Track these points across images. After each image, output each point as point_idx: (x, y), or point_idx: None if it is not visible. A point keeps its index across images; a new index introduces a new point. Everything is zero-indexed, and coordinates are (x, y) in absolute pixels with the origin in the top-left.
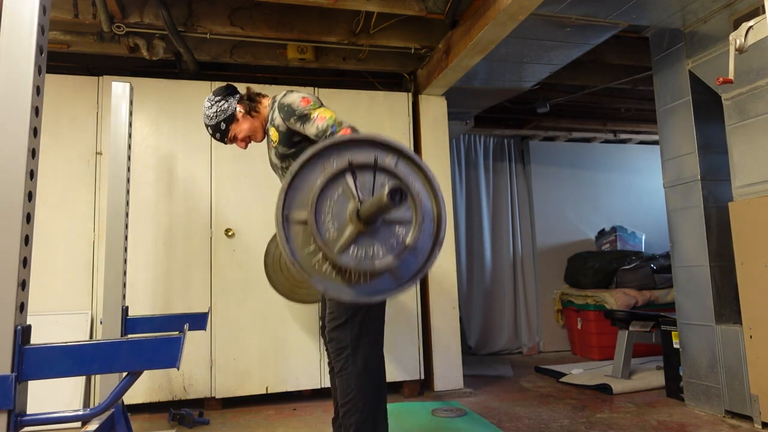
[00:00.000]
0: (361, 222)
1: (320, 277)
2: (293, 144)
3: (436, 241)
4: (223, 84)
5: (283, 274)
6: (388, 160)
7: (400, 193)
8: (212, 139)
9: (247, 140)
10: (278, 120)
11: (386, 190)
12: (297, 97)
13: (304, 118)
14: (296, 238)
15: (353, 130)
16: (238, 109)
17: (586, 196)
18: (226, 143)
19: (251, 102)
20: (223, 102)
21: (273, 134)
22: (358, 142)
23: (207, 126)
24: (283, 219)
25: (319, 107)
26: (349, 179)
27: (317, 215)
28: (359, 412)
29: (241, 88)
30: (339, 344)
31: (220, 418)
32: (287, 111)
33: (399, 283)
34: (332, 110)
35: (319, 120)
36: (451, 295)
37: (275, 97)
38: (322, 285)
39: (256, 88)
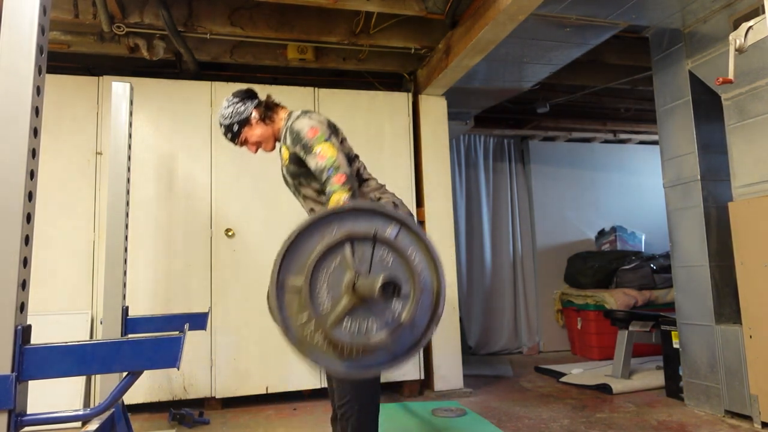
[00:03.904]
0: (356, 295)
1: (311, 349)
2: (303, 164)
3: (433, 317)
4: (245, 87)
5: None
6: (389, 232)
7: (392, 288)
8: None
9: (257, 144)
10: (288, 141)
11: (379, 282)
12: (306, 124)
13: (308, 149)
14: (290, 306)
15: (348, 177)
16: (253, 114)
17: (586, 196)
18: (236, 145)
19: (267, 110)
20: (240, 104)
21: (284, 153)
22: (360, 212)
23: (221, 125)
24: (278, 285)
25: (324, 141)
26: (348, 250)
27: (312, 284)
28: (355, 415)
29: (262, 94)
30: None
31: (220, 418)
32: (295, 138)
33: (393, 358)
34: (337, 148)
35: (320, 158)
36: (451, 295)
37: (291, 113)
38: (313, 357)
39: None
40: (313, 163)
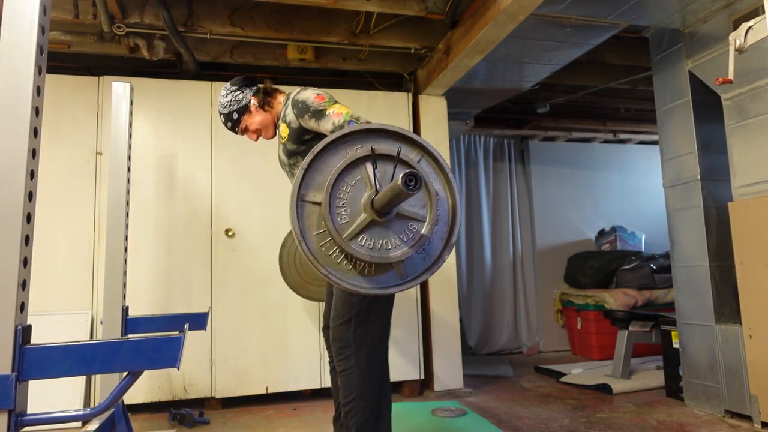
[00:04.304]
0: (374, 211)
1: (326, 261)
2: (303, 141)
3: (447, 245)
4: (241, 76)
5: (296, 268)
6: (412, 156)
7: (415, 180)
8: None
9: (258, 132)
10: (290, 116)
11: (402, 173)
12: (311, 93)
13: (319, 114)
14: (307, 218)
15: (371, 123)
16: (252, 101)
17: (586, 196)
18: (237, 133)
19: (266, 96)
20: (238, 92)
21: (283, 130)
22: (385, 133)
23: (220, 114)
24: (298, 197)
25: (334, 104)
26: (369, 167)
27: (331, 198)
28: (360, 413)
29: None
30: (341, 343)
31: (220, 418)
32: (301, 107)
33: (403, 281)
34: (347, 106)
35: (335, 116)
36: (451, 295)
37: (290, 94)
38: (326, 269)
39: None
40: (329, 123)
